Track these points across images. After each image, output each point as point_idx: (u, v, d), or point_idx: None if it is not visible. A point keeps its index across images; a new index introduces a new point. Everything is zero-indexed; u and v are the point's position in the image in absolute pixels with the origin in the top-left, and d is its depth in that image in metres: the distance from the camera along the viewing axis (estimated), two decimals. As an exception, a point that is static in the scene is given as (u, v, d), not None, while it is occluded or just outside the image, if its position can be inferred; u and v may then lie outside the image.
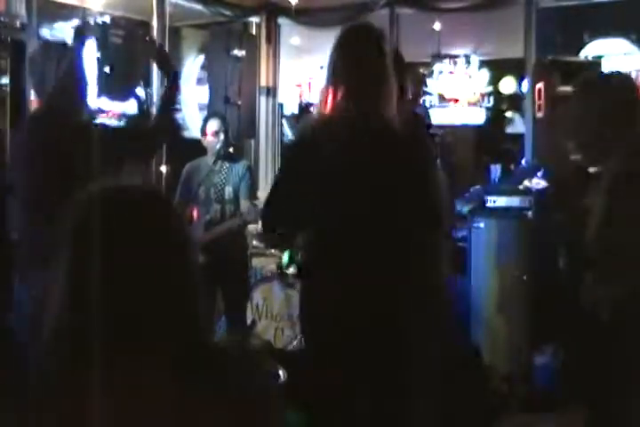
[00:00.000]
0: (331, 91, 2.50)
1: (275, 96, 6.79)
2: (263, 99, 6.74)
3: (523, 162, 5.61)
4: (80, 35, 3.49)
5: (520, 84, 6.07)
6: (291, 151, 2.72)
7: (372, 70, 2.47)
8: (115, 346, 1.06)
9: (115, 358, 1.06)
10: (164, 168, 5.61)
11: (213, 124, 4.64)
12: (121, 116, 5.23)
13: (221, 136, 4.61)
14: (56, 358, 1.08)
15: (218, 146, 4.61)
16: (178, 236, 1.16)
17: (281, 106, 6.79)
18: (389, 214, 2.42)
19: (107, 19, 5.24)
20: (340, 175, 2.42)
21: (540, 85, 5.46)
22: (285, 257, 4.70)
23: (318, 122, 2.58)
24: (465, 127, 6.27)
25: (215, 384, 1.09)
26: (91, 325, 1.05)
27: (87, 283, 1.07)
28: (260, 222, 2.66)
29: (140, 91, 5.43)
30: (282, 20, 6.71)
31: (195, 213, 4.66)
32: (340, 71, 2.49)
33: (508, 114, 6.67)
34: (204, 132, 4.65)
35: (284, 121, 6.79)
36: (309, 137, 2.58)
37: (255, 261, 5.15)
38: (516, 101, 6.39)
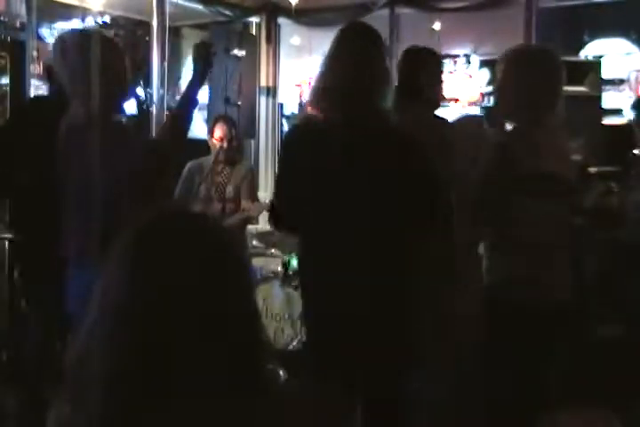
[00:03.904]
0: (322, 90, 2.47)
1: (275, 96, 6.79)
2: (263, 99, 6.74)
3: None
4: None
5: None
6: (281, 153, 2.70)
7: (367, 69, 2.43)
8: (171, 374, 1.03)
9: (170, 386, 1.03)
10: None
11: (220, 131, 4.63)
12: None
13: (225, 143, 4.61)
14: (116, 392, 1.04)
15: (219, 147, 4.61)
16: (238, 262, 1.14)
17: (281, 106, 6.79)
18: (380, 215, 2.38)
19: (107, 19, 5.24)
20: (328, 177, 2.38)
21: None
22: (293, 259, 4.70)
23: (307, 122, 2.54)
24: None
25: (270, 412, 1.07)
26: (148, 353, 1.03)
27: (145, 309, 1.04)
28: (268, 220, 2.65)
29: (139, 91, 5.43)
30: (282, 20, 6.71)
31: None
32: (333, 69, 2.46)
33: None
34: (211, 133, 4.66)
35: (284, 121, 6.79)
36: (296, 139, 2.55)
37: (255, 261, 5.15)
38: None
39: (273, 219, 2.60)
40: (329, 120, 2.43)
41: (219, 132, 4.63)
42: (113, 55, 2.68)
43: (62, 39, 2.74)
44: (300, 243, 2.51)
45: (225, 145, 4.60)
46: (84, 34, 2.81)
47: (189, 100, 2.75)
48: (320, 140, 2.42)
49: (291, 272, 4.76)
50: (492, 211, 2.57)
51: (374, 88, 2.43)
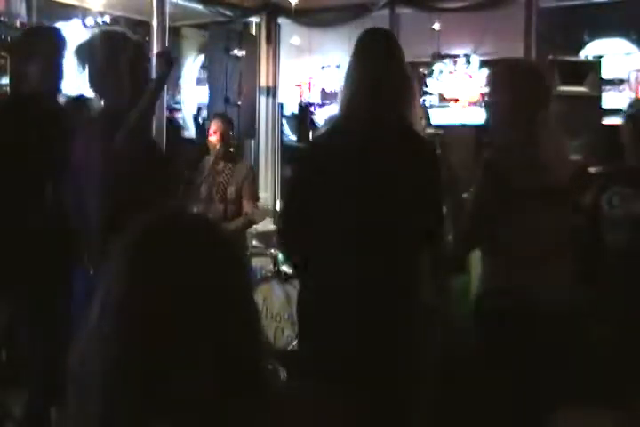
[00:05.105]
0: (348, 93, 2.49)
1: (275, 96, 6.80)
2: (263, 99, 6.74)
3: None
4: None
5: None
6: (303, 161, 2.69)
7: (389, 73, 2.46)
8: (171, 374, 1.02)
9: (170, 387, 1.02)
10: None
11: (214, 126, 4.68)
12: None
13: (219, 136, 4.63)
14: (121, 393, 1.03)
15: (218, 146, 4.62)
16: (237, 263, 1.13)
17: (281, 106, 6.79)
18: (398, 216, 2.41)
19: (107, 19, 5.24)
20: (352, 178, 2.41)
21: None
22: (281, 255, 4.70)
23: (334, 126, 2.57)
24: (465, 127, 6.27)
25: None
26: (148, 354, 1.02)
27: (148, 311, 1.03)
28: (278, 245, 2.67)
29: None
30: (282, 20, 6.72)
31: None
32: (357, 74, 2.48)
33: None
34: (208, 133, 4.70)
35: (284, 121, 6.79)
36: (323, 141, 2.60)
37: (255, 261, 5.15)
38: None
39: (283, 241, 2.64)
40: (350, 123, 2.46)
41: (213, 127, 4.67)
42: (137, 56, 2.76)
43: (88, 40, 2.86)
44: (310, 247, 2.52)
45: (219, 138, 4.63)
46: (107, 33, 2.93)
47: (149, 104, 2.74)
48: (338, 143, 2.45)
49: (282, 268, 4.77)
50: (488, 224, 2.59)
51: (395, 91, 2.44)
